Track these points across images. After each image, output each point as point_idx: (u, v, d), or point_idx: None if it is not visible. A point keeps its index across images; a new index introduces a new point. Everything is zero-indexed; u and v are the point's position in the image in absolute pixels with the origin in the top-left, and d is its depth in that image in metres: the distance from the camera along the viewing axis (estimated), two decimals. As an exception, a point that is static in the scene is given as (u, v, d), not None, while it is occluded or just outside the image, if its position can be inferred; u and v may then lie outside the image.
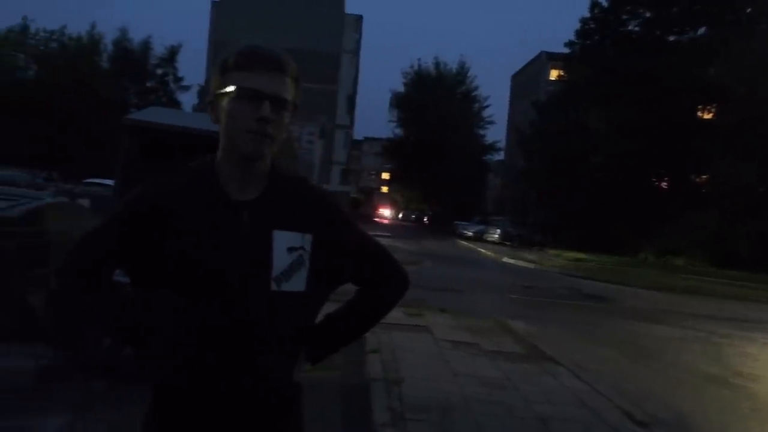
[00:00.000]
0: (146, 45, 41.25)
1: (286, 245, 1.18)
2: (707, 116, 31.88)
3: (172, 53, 41.87)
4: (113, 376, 3.91)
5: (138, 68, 40.62)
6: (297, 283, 1.18)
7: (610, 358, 7.05)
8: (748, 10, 31.02)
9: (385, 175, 66.65)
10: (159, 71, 42.24)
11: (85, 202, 9.95)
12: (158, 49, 41.79)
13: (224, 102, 1.16)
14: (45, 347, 4.12)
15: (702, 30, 32.16)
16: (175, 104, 41.46)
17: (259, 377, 1.17)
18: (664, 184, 33.42)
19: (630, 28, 33.50)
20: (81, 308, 1.29)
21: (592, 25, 33.68)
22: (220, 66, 1.19)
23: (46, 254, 4.28)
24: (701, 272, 22.11)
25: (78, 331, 3.99)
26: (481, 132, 50.84)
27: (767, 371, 7.28)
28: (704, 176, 31.67)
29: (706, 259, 25.01)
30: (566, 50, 35.20)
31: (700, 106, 31.93)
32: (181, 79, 42.90)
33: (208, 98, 1.22)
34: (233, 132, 1.15)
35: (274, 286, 1.16)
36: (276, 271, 1.16)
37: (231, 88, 1.15)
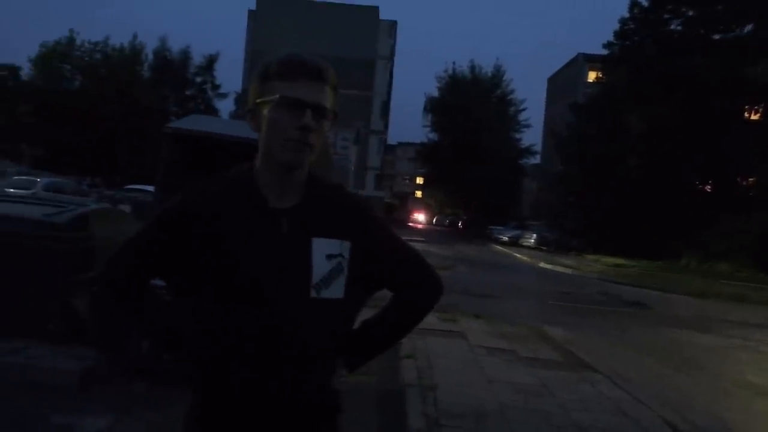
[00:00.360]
0: (185, 54, 42.46)
1: (325, 253, 1.18)
2: (754, 117, 30.73)
3: (210, 62, 42.95)
4: (153, 378, 4.01)
5: (177, 77, 41.81)
6: (336, 290, 1.19)
7: (650, 366, 6.85)
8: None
9: (419, 180, 66.55)
10: (198, 79, 43.39)
11: (126, 208, 10.29)
12: (197, 58, 42.96)
13: (265, 110, 1.17)
14: (88, 350, 4.26)
15: (748, 27, 31.04)
16: (213, 111, 42.45)
17: (299, 385, 1.17)
18: (707, 187, 32.34)
19: (672, 27, 32.60)
20: (120, 314, 1.32)
21: (632, 26, 32.93)
22: (261, 74, 1.19)
23: (92, 259, 4.43)
24: (747, 278, 21.26)
25: (119, 335, 4.12)
26: (517, 135, 50.33)
27: (820, 383, 6.96)
28: (751, 179, 30.50)
29: (751, 265, 24.04)
30: (604, 51, 34.51)
31: (746, 107, 30.81)
32: (218, 86, 44.01)
33: (247, 106, 1.23)
34: (274, 140, 1.16)
35: (313, 294, 1.16)
36: (315, 278, 1.17)
37: (273, 97, 1.15)
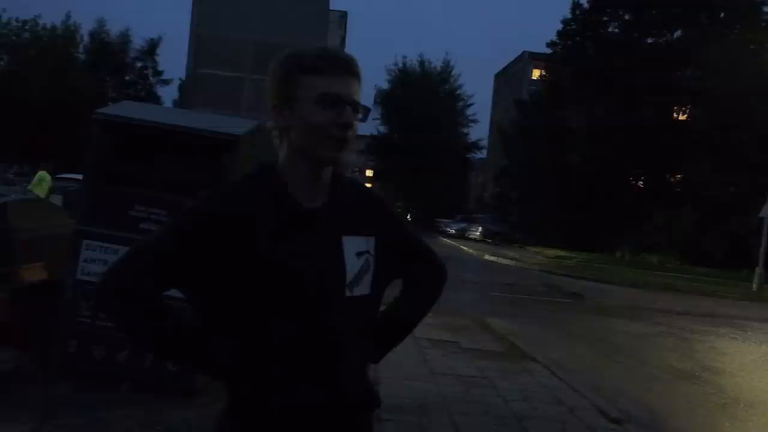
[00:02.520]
0: (125, 37, 40.57)
1: (355, 250, 1.18)
2: (682, 117, 32.49)
3: (152, 46, 41.24)
4: (79, 379, 3.81)
5: (116, 61, 39.93)
6: (365, 287, 1.19)
7: (586, 355, 7.18)
8: (722, 14, 31.64)
9: (369, 172, 66.57)
10: (138, 64, 41.59)
11: (57, 199, 9.74)
12: (137, 42, 41.15)
13: (299, 107, 1.13)
14: (6, 349, 4.03)
15: (678, 33, 32.74)
16: (156, 98, 40.86)
17: (343, 383, 1.17)
18: (640, 184, 33.99)
19: (610, 29, 33.96)
20: (134, 334, 1.18)
21: (573, 26, 34.07)
22: (289, 68, 1.14)
23: (10, 254, 4.19)
24: (675, 269, 22.57)
25: (43, 332, 3.93)
26: (465, 130, 51.04)
27: (734, 366, 7.50)
28: (678, 176, 32.29)
29: (679, 257, 25.52)
30: (548, 50, 35.55)
31: (675, 107, 32.52)
32: (161, 72, 42.33)
33: (272, 101, 1.16)
34: (313, 138, 1.12)
35: (347, 292, 1.17)
36: (349, 276, 1.17)
37: (311, 94, 1.11)
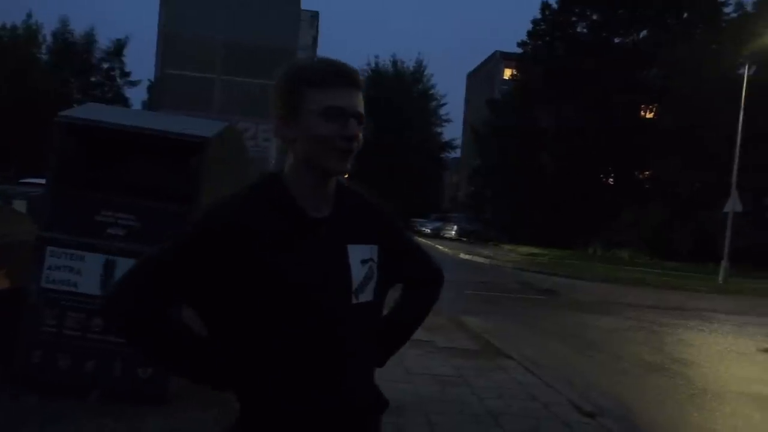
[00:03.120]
0: (89, 37, 39.63)
1: (359, 258, 1.22)
2: (650, 116, 33.23)
3: (119, 46, 40.40)
4: (44, 390, 3.68)
5: (81, 62, 38.99)
6: (369, 294, 1.23)
7: (559, 350, 7.28)
8: (685, 14, 32.47)
9: (342, 173, 66.36)
10: (105, 65, 40.69)
11: (21, 205, 9.43)
12: (103, 42, 40.26)
13: (305, 119, 1.15)
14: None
15: (643, 33, 33.48)
16: (123, 100, 40.05)
17: (353, 388, 1.20)
18: (610, 181, 34.66)
19: (578, 29, 34.53)
20: (141, 350, 1.18)
21: (543, 27, 34.55)
22: (292, 80, 1.18)
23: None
24: (644, 264, 23.08)
25: (6, 343, 3.81)
26: (438, 130, 51.33)
27: (702, 357, 7.69)
28: (647, 173, 33.03)
29: (648, 252, 26.11)
30: (519, 50, 35.97)
31: (643, 106, 33.25)
32: (128, 73, 41.50)
33: (278, 113, 1.19)
34: (319, 149, 1.15)
35: (354, 299, 1.20)
36: (354, 284, 1.20)
37: (316, 107, 1.14)
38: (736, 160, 19.36)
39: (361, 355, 1.22)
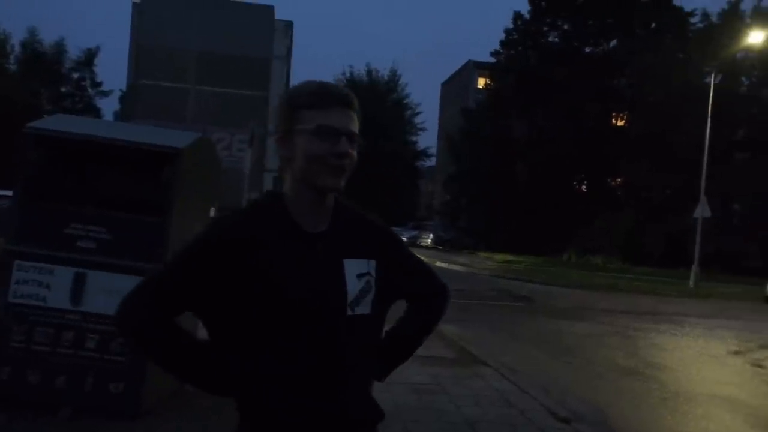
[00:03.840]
0: (59, 47, 38.90)
1: (356, 272, 1.26)
2: (620, 123, 33.98)
3: (90, 56, 39.72)
4: (15, 407, 3.59)
5: (51, 72, 38.23)
6: (365, 307, 1.26)
7: (535, 357, 7.35)
8: (653, 24, 33.38)
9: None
10: (75, 75, 39.96)
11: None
12: (74, 52, 39.55)
13: (299, 139, 1.21)
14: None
15: (613, 43, 34.28)
16: (95, 110, 39.34)
17: (349, 400, 1.22)
18: (583, 188, 35.26)
19: (550, 39, 35.20)
20: (152, 360, 1.27)
21: (515, 36, 35.12)
22: (290, 103, 1.25)
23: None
24: (617, 270, 23.49)
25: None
26: (413, 138, 51.61)
27: (674, 361, 7.85)
28: (618, 180, 33.70)
29: (621, 258, 26.60)
30: (492, 59, 36.46)
31: (614, 114, 33.98)
32: (100, 84, 40.79)
33: (277, 134, 1.27)
34: (312, 167, 1.21)
35: (349, 312, 1.23)
36: (350, 297, 1.24)
37: (309, 126, 1.20)
38: (705, 167, 19.89)
39: (358, 367, 1.25)
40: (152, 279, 1.24)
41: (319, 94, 1.23)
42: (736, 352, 8.82)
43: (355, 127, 1.25)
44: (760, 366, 7.96)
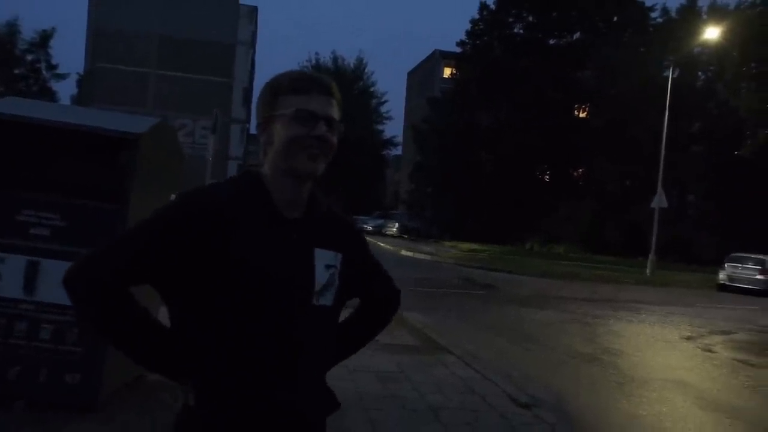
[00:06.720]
0: (13, 27, 37.27)
1: (324, 263, 1.26)
2: (582, 114, 34.66)
3: (45, 38, 38.16)
4: None
5: (3, 52, 36.61)
6: (328, 299, 1.26)
7: (498, 344, 7.49)
8: (615, 18, 34.06)
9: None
10: (29, 57, 38.37)
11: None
12: (28, 33, 37.93)
13: (279, 123, 1.21)
14: None
15: (577, 35, 34.85)
16: (50, 93, 37.91)
17: (307, 388, 1.22)
18: (546, 178, 35.90)
19: (515, 30, 35.53)
20: (97, 324, 1.17)
21: (481, 27, 35.31)
22: (271, 90, 1.25)
23: None
24: (578, 258, 24.09)
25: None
26: (379, 127, 51.57)
27: (630, 347, 8.12)
28: (580, 170, 34.45)
29: (582, 247, 27.27)
30: (458, 49, 36.60)
31: (576, 106, 34.62)
32: (55, 66, 39.27)
33: (258, 120, 1.26)
34: (290, 151, 1.20)
35: (314, 301, 1.23)
36: (317, 286, 1.24)
37: (288, 111, 1.20)
38: (662, 158, 20.50)
39: (315, 356, 1.24)
40: (113, 242, 1.18)
41: (300, 80, 1.24)
42: (689, 338, 9.18)
43: (335, 113, 1.25)
44: (710, 351, 8.31)
